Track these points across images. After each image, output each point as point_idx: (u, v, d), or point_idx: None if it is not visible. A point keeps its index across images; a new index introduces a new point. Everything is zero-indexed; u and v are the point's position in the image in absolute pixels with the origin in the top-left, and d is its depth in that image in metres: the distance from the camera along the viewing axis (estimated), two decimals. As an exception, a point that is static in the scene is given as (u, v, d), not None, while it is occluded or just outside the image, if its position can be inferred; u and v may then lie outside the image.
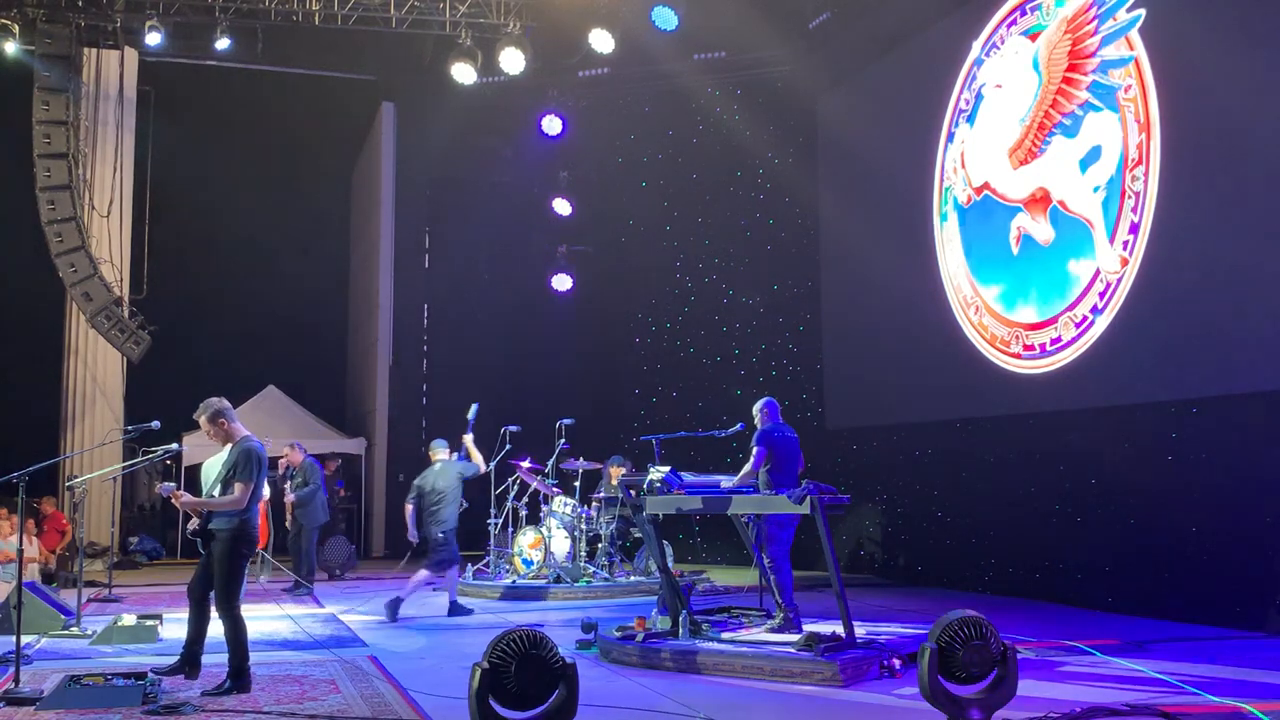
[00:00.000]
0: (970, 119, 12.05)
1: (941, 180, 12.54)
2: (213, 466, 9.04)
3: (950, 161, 12.38)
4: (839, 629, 7.32)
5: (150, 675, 6.58)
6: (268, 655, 8.03)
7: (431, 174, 18.07)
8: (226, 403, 7.22)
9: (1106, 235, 10.02)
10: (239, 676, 6.65)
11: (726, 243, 16.33)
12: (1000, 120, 11.50)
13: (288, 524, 12.39)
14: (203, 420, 7.09)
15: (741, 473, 8.05)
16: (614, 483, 12.57)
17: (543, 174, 17.49)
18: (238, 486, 6.76)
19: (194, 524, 6.94)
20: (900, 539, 13.33)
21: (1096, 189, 10.17)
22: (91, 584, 12.16)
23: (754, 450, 8.00)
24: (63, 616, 9.20)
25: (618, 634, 7.99)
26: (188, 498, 7.06)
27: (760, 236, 16.16)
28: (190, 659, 6.98)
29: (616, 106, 17.12)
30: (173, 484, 7.45)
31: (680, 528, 15.24)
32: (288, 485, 12.62)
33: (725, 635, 7.86)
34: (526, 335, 17.52)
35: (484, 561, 12.67)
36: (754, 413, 8.35)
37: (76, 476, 12.11)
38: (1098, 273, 10.15)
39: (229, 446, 7.03)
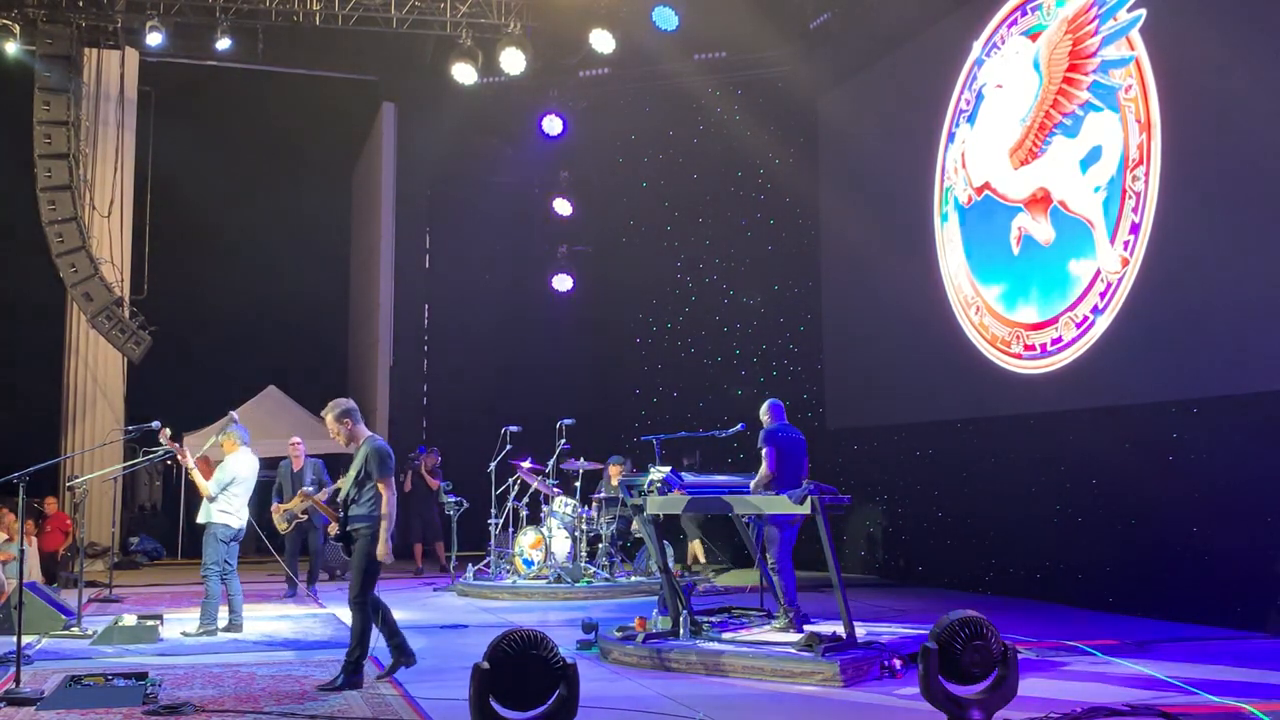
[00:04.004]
0: (971, 119, 12.05)
1: (942, 180, 12.54)
2: (228, 469, 9.07)
3: (951, 161, 12.38)
4: (840, 629, 7.33)
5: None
6: (269, 655, 8.05)
7: (431, 174, 18.06)
8: (354, 403, 7.34)
9: (1107, 235, 10.03)
10: (355, 671, 6.81)
11: (727, 243, 16.32)
12: (1001, 120, 11.50)
13: (282, 528, 12.06)
14: (330, 418, 7.22)
15: (759, 476, 8.02)
16: (614, 483, 12.57)
17: (543, 174, 17.48)
18: (382, 487, 6.92)
19: (334, 529, 7.12)
20: (900, 539, 13.32)
21: (1097, 189, 10.17)
22: (92, 584, 12.15)
23: (763, 452, 7.98)
24: (63, 617, 9.19)
25: (618, 634, 7.99)
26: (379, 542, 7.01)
27: (760, 236, 16.16)
28: (400, 650, 7.08)
29: (617, 107, 17.11)
30: (311, 488, 7.46)
31: (681, 528, 15.22)
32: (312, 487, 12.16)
33: (726, 635, 7.86)
34: (527, 335, 17.51)
35: (485, 562, 12.66)
36: (760, 415, 8.36)
37: (77, 476, 12.10)
38: (1098, 273, 10.15)
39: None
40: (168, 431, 9.49)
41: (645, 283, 16.80)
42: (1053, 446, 10.74)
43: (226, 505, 9.03)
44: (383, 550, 6.94)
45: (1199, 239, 9.17)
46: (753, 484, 8.07)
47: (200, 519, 9.16)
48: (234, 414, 9.90)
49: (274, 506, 12.02)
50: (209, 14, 14.55)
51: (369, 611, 6.94)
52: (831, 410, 14.99)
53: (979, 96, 11.94)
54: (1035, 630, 8.57)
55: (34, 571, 11.91)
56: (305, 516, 12.07)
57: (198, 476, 9.13)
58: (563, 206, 17.16)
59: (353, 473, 7.08)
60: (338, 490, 7.36)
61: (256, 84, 17.87)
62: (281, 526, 11.98)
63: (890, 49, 13.81)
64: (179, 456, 9.45)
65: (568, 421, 12.43)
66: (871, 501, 13.63)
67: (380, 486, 6.92)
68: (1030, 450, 11.06)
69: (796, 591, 8.02)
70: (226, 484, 9.02)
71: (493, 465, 12.51)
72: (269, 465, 12.67)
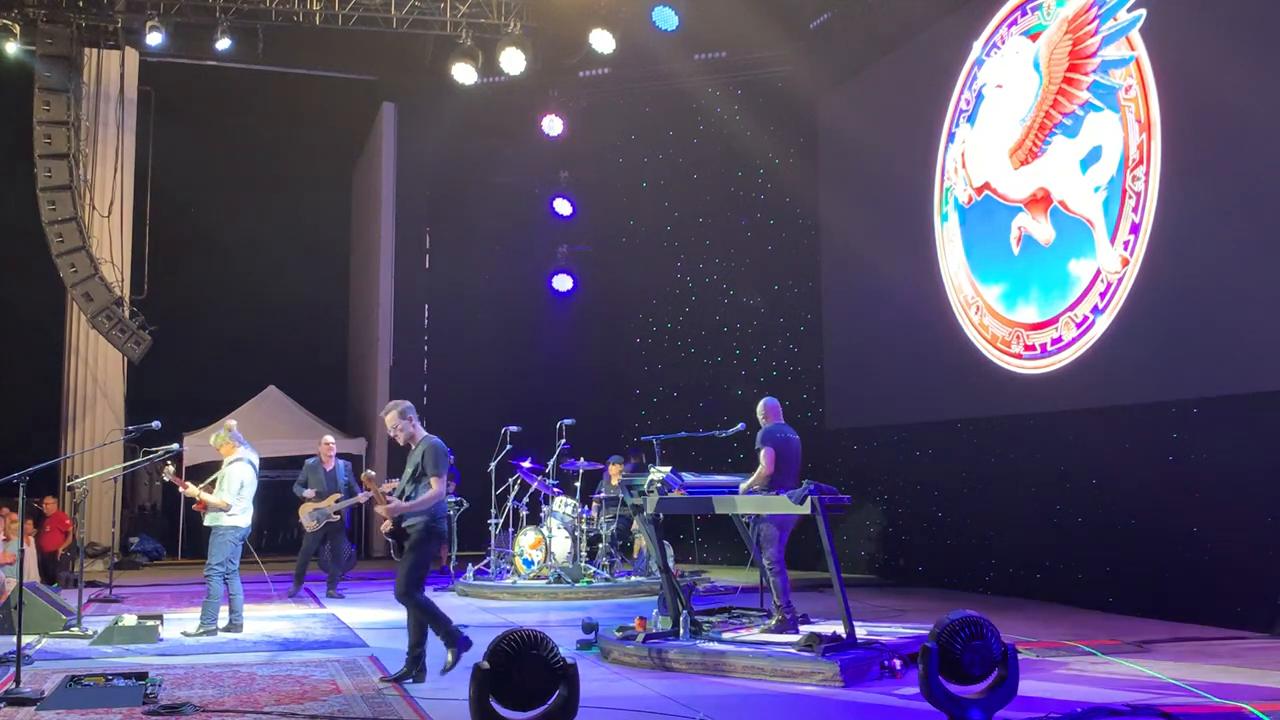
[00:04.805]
0: (971, 119, 12.05)
1: (942, 180, 12.54)
2: (234, 476, 9.06)
3: (951, 161, 12.38)
4: (839, 629, 7.33)
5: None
6: (269, 655, 8.05)
7: (431, 174, 18.05)
8: (410, 403, 7.41)
9: (1107, 235, 10.03)
10: (454, 643, 7.00)
11: (727, 243, 16.33)
12: (1001, 120, 11.50)
13: (310, 526, 11.94)
14: (391, 416, 7.31)
15: (756, 475, 8.01)
16: (614, 483, 12.58)
17: (543, 174, 17.48)
18: (434, 482, 7.00)
19: (388, 527, 7.11)
20: (900, 539, 13.33)
21: (1097, 189, 10.17)
22: (92, 584, 12.15)
23: (763, 451, 7.97)
24: (63, 616, 9.19)
25: (618, 634, 7.99)
26: (395, 504, 7.07)
27: (760, 236, 16.16)
28: (416, 662, 7.04)
29: (617, 107, 17.12)
30: (373, 472, 7.46)
31: (680, 528, 15.24)
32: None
33: (726, 635, 7.86)
34: (526, 335, 17.52)
35: (484, 562, 12.66)
36: (757, 413, 8.34)
37: (77, 476, 12.10)
38: (1098, 273, 10.15)
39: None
40: (170, 468, 9.55)
41: (645, 283, 16.82)
42: (1053, 446, 10.74)
43: (236, 508, 9.05)
44: (382, 510, 7.06)
45: (1199, 239, 9.16)
46: (745, 485, 8.05)
47: (208, 523, 9.14)
48: (232, 422, 9.85)
49: (304, 505, 11.90)
50: (209, 14, 14.55)
51: (422, 600, 7.00)
52: (831, 410, 14.99)
53: (979, 96, 11.94)
54: (1036, 630, 8.57)
55: (31, 571, 11.88)
56: (338, 516, 12.03)
57: (206, 496, 9.08)
58: (563, 206, 17.16)
59: (409, 470, 7.17)
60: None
61: (256, 84, 17.86)
62: (310, 525, 11.87)
63: (890, 49, 13.82)
64: (181, 489, 9.46)
65: (568, 421, 12.44)
66: (871, 501, 13.63)
67: (432, 481, 7.00)
68: (1030, 450, 11.06)
69: (790, 592, 8.03)
70: (238, 490, 9.03)
71: (493, 465, 12.50)
72: (267, 465, 12.66)
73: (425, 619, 6.98)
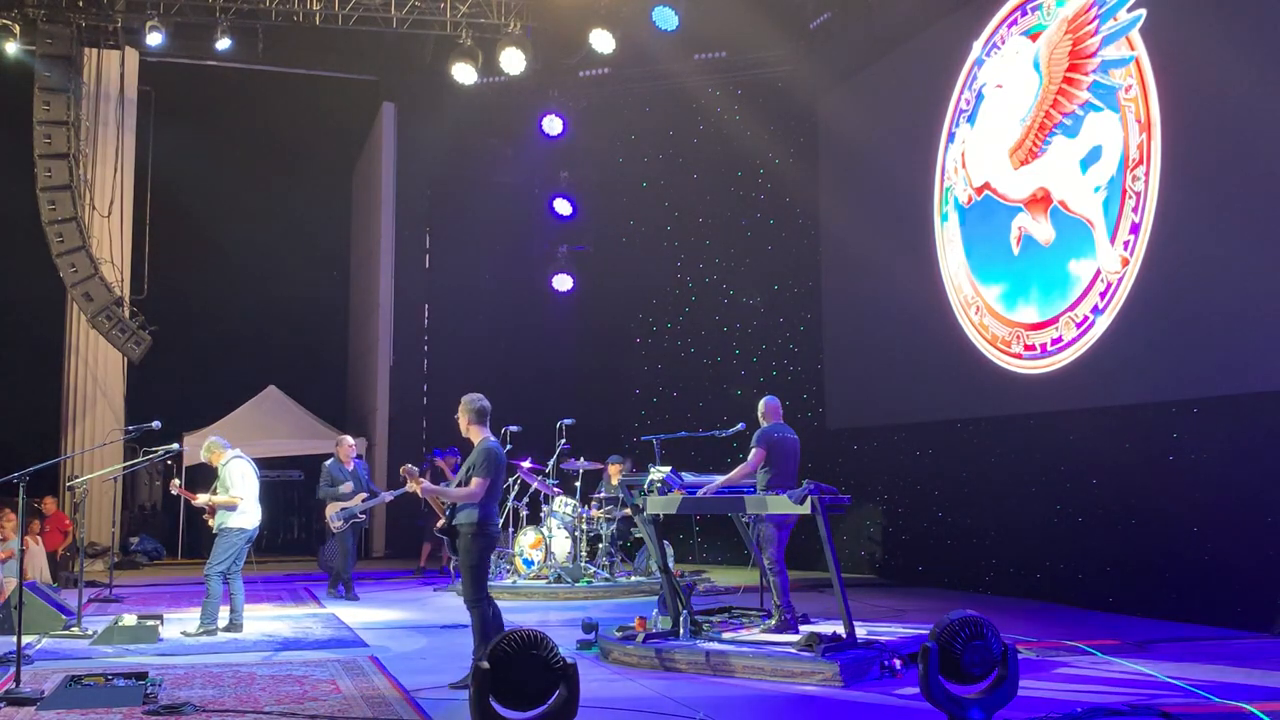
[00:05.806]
0: (971, 119, 12.05)
1: (942, 180, 12.54)
2: (234, 475, 9.06)
3: (951, 161, 12.38)
4: (839, 629, 7.33)
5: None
6: (269, 655, 8.05)
7: (431, 174, 18.05)
8: (488, 406, 7.43)
9: (1107, 235, 10.03)
10: None
11: (727, 243, 16.33)
12: (1001, 120, 11.50)
13: (336, 526, 11.82)
14: (462, 405, 7.37)
15: (735, 472, 8.02)
16: (614, 483, 12.57)
17: (543, 174, 17.48)
18: (474, 481, 6.98)
19: (442, 522, 7.12)
20: (900, 539, 13.33)
21: (1097, 189, 10.17)
22: (92, 584, 12.14)
23: (752, 450, 7.99)
24: (63, 616, 9.20)
25: (618, 634, 7.99)
26: (428, 485, 7.13)
27: (760, 236, 16.16)
28: None
29: (617, 106, 17.12)
30: (414, 467, 7.49)
31: (680, 528, 15.24)
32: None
33: (726, 635, 7.86)
34: (526, 335, 17.50)
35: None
36: (758, 412, 8.35)
37: (77, 476, 12.09)
38: (1098, 273, 10.15)
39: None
40: (177, 482, 9.56)
41: (645, 283, 16.80)
42: (1053, 446, 10.74)
43: (242, 506, 9.06)
44: (416, 489, 7.08)
45: (1199, 239, 9.16)
46: (724, 479, 8.04)
47: (216, 525, 9.13)
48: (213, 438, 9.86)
49: (330, 505, 11.80)
50: (209, 14, 14.55)
51: (486, 609, 6.93)
52: (831, 410, 14.99)
53: (979, 96, 11.94)
54: (1036, 630, 8.57)
55: (43, 572, 11.86)
56: (363, 517, 12.01)
57: (216, 499, 9.08)
58: (563, 206, 17.15)
59: (463, 472, 7.19)
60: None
61: (256, 84, 17.86)
62: (336, 525, 11.76)
63: (890, 49, 13.81)
64: (192, 501, 9.51)
65: (568, 421, 12.43)
66: (871, 501, 13.63)
67: (473, 480, 6.98)
68: (1030, 450, 11.06)
69: (790, 592, 8.03)
70: (241, 482, 9.05)
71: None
72: (266, 465, 12.63)
73: (479, 628, 6.88)
